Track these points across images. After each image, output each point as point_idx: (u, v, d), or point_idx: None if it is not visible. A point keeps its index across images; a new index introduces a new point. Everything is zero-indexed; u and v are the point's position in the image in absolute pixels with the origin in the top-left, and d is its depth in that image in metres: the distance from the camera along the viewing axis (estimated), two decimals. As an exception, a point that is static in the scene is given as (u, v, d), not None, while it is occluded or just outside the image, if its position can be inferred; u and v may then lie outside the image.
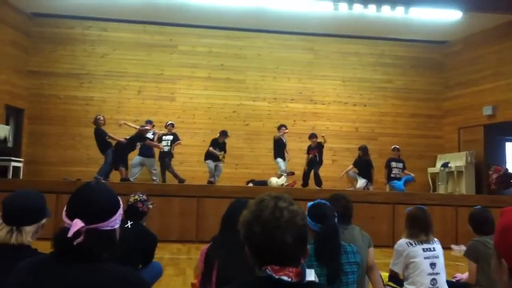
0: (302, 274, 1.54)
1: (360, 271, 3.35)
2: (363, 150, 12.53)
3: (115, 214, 1.87)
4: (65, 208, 1.85)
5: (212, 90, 14.38)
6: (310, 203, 3.44)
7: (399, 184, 12.28)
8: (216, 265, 2.97)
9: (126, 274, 1.79)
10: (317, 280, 1.60)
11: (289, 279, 1.52)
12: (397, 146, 12.92)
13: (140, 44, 14.41)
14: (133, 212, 4.37)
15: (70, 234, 1.72)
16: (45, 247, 1.94)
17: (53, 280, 1.69)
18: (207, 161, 11.83)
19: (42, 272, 1.73)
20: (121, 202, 1.94)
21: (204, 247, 3.29)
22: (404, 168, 12.70)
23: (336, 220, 3.29)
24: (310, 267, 2.94)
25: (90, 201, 1.82)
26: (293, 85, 14.76)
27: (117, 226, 1.88)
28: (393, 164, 12.61)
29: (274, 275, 1.53)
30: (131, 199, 4.44)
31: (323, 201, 3.48)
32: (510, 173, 12.75)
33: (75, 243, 1.72)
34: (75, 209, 1.81)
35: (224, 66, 14.57)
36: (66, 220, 1.79)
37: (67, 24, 14.23)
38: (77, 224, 1.74)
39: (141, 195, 4.54)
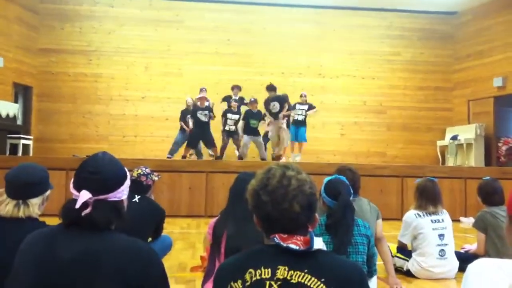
0: (310, 242, 1.55)
1: (369, 244, 3.39)
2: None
3: (122, 185, 1.87)
4: (72, 180, 1.86)
5: (219, 65, 14.32)
6: (327, 178, 3.47)
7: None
8: (225, 236, 3.00)
9: (135, 243, 1.80)
10: (325, 248, 1.61)
11: (297, 247, 1.54)
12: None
13: (146, 19, 14.35)
14: (137, 186, 4.35)
15: (77, 205, 1.73)
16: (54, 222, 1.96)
17: (64, 248, 1.71)
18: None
19: (53, 241, 1.75)
20: (128, 174, 1.95)
21: (213, 220, 3.31)
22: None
23: (351, 195, 3.32)
24: (320, 235, 3.00)
25: (97, 172, 1.82)
26: (300, 59, 14.65)
27: (124, 197, 1.89)
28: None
29: (282, 243, 1.54)
30: (134, 174, 4.43)
31: (340, 177, 3.50)
32: (520, 145, 12.67)
33: (83, 214, 1.73)
34: (82, 180, 1.82)
35: (231, 41, 14.49)
36: (74, 192, 1.80)
37: (74, 1, 14.17)
38: (85, 195, 1.75)
39: (144, 169, 4.55)
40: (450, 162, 13.54)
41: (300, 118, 11.98)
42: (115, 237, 1.79)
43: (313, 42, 14.75)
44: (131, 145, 13.71)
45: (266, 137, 11.90)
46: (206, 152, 11.86)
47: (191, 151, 11.61)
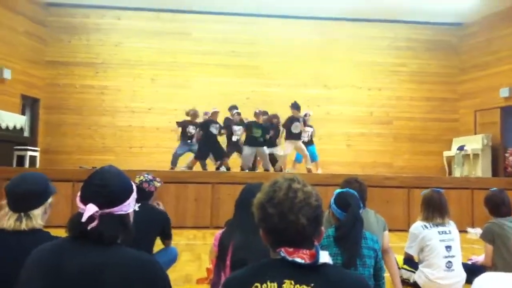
0: (316, 256, 1.55)
1: (377, 257, 3.38)
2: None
3: (128, 199, 1.89)
4: (79, 194, 1.87)
5: (225, 77, 14.37)
6: (337, 190, 3.48)
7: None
8: (231, 249, 2.99)
9: (140, 257, 1.81)
10: (331, 262, 1.60)
11: (303, 261, 1.54)
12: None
13: (153, 32, 14.43)
14: (140, 193, 4.32)
15: (84, 219, 1.74)
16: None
17: (71, 261, 1.72)
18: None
19: (60, 254, 1.75)
20: (134, 187, 1.96)
21: (218, 231, 3.31)
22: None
23: (360, 209, 3.32)
24: (327, 247, 2.99)
25: (103, 185, 1.83)
26: (306, 70, 14.68)
27: (130, 210, 1.90)
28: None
29: (288, 257, 1.54)
30: (136, 180, 4.40)
31: (351, 190, 3.51)
32: (527, 155, 12.62)
33: (89, 228, 1.74)
34: (88, 194, 1.83)
35: (237, 52, 14.54)
36: (80, 205, 1.82)
37: (82, 14, 14.30)
38: (91, 208, 1.76)
39: (146, 175, 4.53)
40: (457, 173, 13.48)
41: (306, 139, 11.92)
42: (121, 251, 1.79)
43: (319, 53, 14.78)
44: (137, 157, 13.74)
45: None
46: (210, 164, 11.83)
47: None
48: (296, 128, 11.19)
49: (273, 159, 11.75)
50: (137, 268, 1.75)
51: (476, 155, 13.27)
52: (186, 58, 14.40)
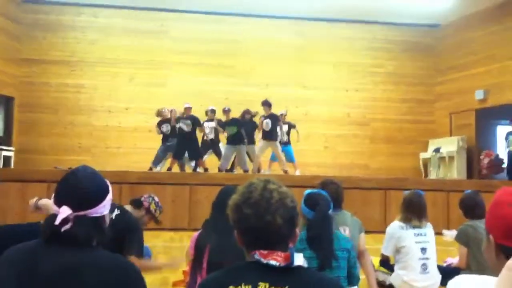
0: (291, 258, 1.54)
1: (351, 257, 3.37)
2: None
3: (103, 200, 1.85)
4: (53, 195, 1.84)
5: (203, 76, 14.32)
6: (307, 191, 3.47)
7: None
8: (207, 251, 2.97)
9: (116, 259, 1.79)
10: (306, 264, 1.60)
11: (278, 264, 1.53)
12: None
13: (130, 30, 14.32)
14: (136, 199, 4.68)
15: (57, 221, 1.71)
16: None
17: (46, 262, 1.70)
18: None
19: (35, 255, 1.73)
20: (110, 188, 1.92)
21: (195, 233, 3.29)
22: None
23: (330, 208, 3.31)
24: (302, 250, 2.98)
25: (78, 187, 1.81)
26: (284, 70, 14.71)
27: (106, 212, 1.87)
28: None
29: (262, 259, 1.54)
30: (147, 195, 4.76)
31: (320, 190, 3.52)
32: (501, 158, 12.78)
33: (62, 230, 1.72)
34: (62, 195, 1.81)
35: (215, 51, 14.49)
36: (54, 207, 1.78)
37: (58, 11, 14.11)
38: (65, 211, 1.74)
39: (156, 199, 4.78)
40: (432, 175, 13.62)
41: (285, 138, 11.94)
42: (96, 253, 1.77)
43: (297, 54, 14.82)
44: (114, 157, 13.60)
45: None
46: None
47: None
48: (267, 125, 11.16)
49: (249, 157, 11.73)
50: (112, 270, 1.73)
51: (451, 157, 13.42)
52: (164, 56, 14.32)
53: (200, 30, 14.48)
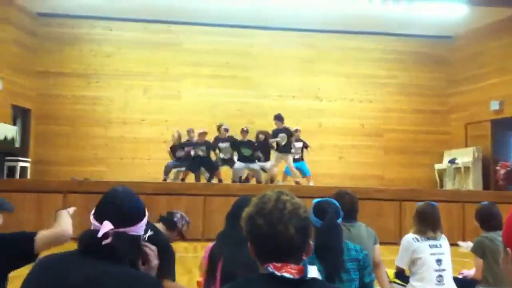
0: (304, 271, 1.54)
1: (363, 267, 3.28)
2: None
3: (142, 221, 1.93)
4: (93, 211, 1.91)
5: (217, 88, 14.38)
6: (315, 200, 3.42)
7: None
8: (221, 262, 2.97)
9: (145, 278, 1.86)
10: (320, 277, 1.60)
11: (291, 276, 1.53)
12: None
13: (144, 42, 14.44)
14: (167, 218, 4.33)
15: (100, 234, 1.78)
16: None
17: (79, 272, 1.75)
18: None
19: (69, 264, 1.80)
20: (146, 211, 1.99)
21: (209, 244, 3.29)
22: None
23: (339, 217, 3.22)
24: (311, 263, 2.93)
25: (120, 205, 1.88)
26: (297, 82, 14.73)
27: (142, 233, 1.95)
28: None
29: (276, 272, 1.54)
30: (179, 210, 4.47)
31: (329, 198, 3.43)
32: (517, 168, 12.67)
33: (103, 243, 1.78)
34: (104, 211, 1.87)
35: (228, 63, 14.56)
36: (94, 222, 1.86)
37: (73, 24, 14.28)
38: (107, 225, 1.80)
39: (187, 218, 4.51)
40: (448, 186, 13.52)
41: (297, 156, 11.93)
42: (126, 269, 1.83)
43: (310, 65, 14.84)
44: (129, 168, 13.67)
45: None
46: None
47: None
48: (282, 139, 11.20)
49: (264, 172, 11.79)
50: (142, 286, 1.80)
51: (467, 168, 13.31)
52: (178, 69, 14.40)
53: (213, 42, 14.55)
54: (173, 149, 11.85)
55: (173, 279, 4.11)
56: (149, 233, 3.99)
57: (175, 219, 4.42)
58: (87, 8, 13.69)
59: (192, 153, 11.24)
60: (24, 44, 13.56)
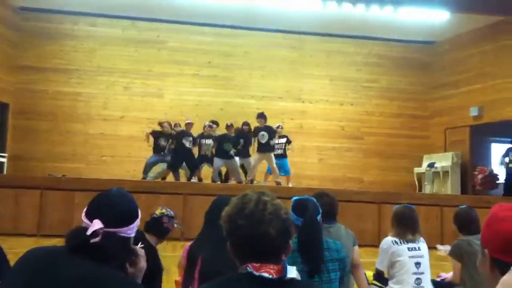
0: (283, 271, 1.53)
1: (344, 267, 3.27)
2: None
3: (133, 223, 1.91)
4: (85, 209, 1.89)
5: (200, 87, 14.34)
6: (294, 198, 3.39)
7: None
8: (199, 262, 2.95)
9: (132, 283, 1.86)
10: (299, 277, 1.58)
11: (270, 276, 1.51)
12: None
13: (128, 40, 14.34)
14: (155, 226, 4.00)
15: (89, 232, 1.75)
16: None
17: (67, 268, 1.72)
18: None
19: (57, 259, 1.76)
20: (139, 213, 1.97)
21: (188, 243, 3.26)
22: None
23: (318, 214, 3.20)
24: (294, 263, 2.91)
25: (113, 205, 1.87)
26: (281, 83, 14.77)
27: (132, 235, 1.92)
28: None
29: (254, 272, 1.52)
30: (157, 212, 4.09)
31: (308, 196, 3.41)
32: (495, 173, 12.83)
33: (91, 241, 1.75)
34: (96, 210, 1.85)
35: (212, 63, 14.54)
36: (85, 220, 1.83)
37: (56, 19, 14.11)
38: (97, 224, 1.78)
39: (169, 210, 4.20)
40: (427, 190, 13.64)
41: (280, 151, 11.92)
42: (114, 271, 1.80)
43: (293, 67, 14.89)
44: (108, 165, 13.57)
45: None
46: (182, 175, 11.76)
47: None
48: (263, 137, 11.20)
49: (244, 170, 11.76)
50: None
51: (446, 173, 13.46)
52: (161, 67, 14.33)
53: (197, 42, 14.52)
54: (157, 136, 11.62)
55: None
56: (140, 245, 3.84)
57: (165, 225, 4.09)
58: (71, 4, 13.58)
59: (188, 144, 11.14)
60: (6, 38, 13.37)
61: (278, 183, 11.33)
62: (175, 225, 4.22)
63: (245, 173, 11.75)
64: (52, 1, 13.43)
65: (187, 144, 11.12)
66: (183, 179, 11.58)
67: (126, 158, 13.67)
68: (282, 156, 11.96)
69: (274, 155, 11.56)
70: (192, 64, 14.43)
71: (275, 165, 11.42)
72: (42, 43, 14.00)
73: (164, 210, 4.16)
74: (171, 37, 14.56)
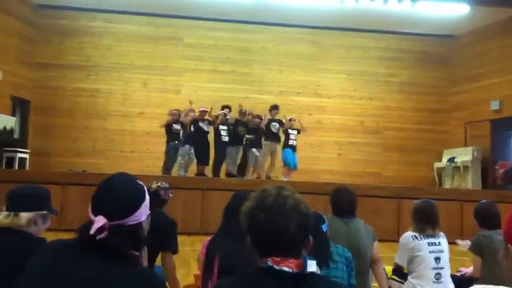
0: (303, 266, 1.53)
1: (350, 264, 3.35)
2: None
3: (139, 208, 1.82)
4: (90, 204, 1.83)
5: (217, 83, 14.36)
6: None
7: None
8: (218, 256, 2.96)
9: (145, 274, 1.79)
10: (318, 271, 1.59)
11: (290, 270, 1.52)
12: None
13: (145, 36, 14.42)
14: (153, 199, 4.27)
15: (92, 231, 1.70)
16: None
17: (80, 265, 1.70)
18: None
19: (71, 255, 1.74)
20: (146, 194, 1.89)
21: (207, 238, 3.28)
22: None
23: (324, 223, 3.27)
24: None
25: (111, 197, 1.79)
26: (298, 79, 14.73)
27: (142, 219, 1.84)
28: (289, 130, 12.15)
29: (275, 266, 1.53)
30: (154, 186, 4.51)
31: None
32: (516, 168, 12.67)
33: (97, 238, 1.71)
34: (97, 205, 1.79)
35: (229, 59, 14.55)
36: (91, 216, 1.77)
37: (74, 16, 14.24)
38: (100, 221, 1.72)
39: (163, 183, 4.64)
40: (447, 184, 13.52)
41: (295, 143, 12.01)
42: (126, 265, 1.75)
43: (310, 62, 14.83)
44: (127, 161, 13.67)
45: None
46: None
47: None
48: (274, 127, 11.53)
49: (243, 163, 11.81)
50: (140, 284, 1.72)
51: (466, 167, 13.32)
52: (178, 63, 14.39)
53: (214, 37, 14.54)
54: (169, 124, 11.77)
55: (174, 251, 4.44)
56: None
57: (161, 196, 4.57)
58: (88, 1, 13.69)
59: (193, 126, 11.41)
60: (25, 35, 13.54)
61: (268, 177, 11.58)
62: (171, 195, 4.71)
63: (244, 166, 11.77)
64: (70, -2, 13.57)
65: (205, 128, 11.29)
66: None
67: (145, 154, 13.77)
68: (295, 149, 12.03)
69: (290, 146, 11.84)
70: (209, 60, 14.46)
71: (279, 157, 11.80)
72: (60, 40, 14.14)
73: (159, 184, 4.61)
74: (188, 33, 14.59)
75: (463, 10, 13.22)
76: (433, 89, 15.21)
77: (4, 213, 2.60)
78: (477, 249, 4.74)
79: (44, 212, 2.69)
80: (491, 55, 13.86)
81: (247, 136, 11.48)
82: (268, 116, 11.92)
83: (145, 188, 1.90)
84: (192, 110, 11.80)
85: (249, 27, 14.70)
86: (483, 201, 5.15)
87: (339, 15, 13.80)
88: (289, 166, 11.91)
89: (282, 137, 12.07)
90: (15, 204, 2.62)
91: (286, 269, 1.52)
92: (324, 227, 3.26)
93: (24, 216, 2.59)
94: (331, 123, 14.68)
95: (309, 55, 14.90)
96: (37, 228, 2.64)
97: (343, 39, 15.04)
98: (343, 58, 14.99)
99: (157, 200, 4.45)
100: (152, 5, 13.79)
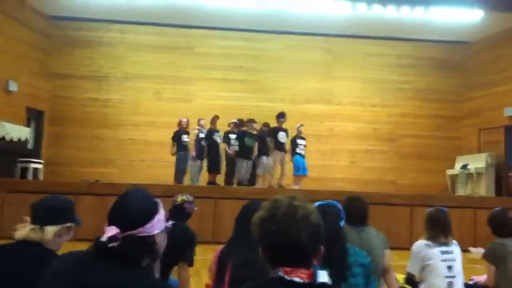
0: (314, 276, 1.54)
1: (367, 274, 3.24)
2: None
3: (151, 221, 1.89)
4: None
5: (228, 92, 14.41)
6: (315, 203, 3.35)
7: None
8: (229, 266, 2.96)
9: (155, 284, 1.85)
10: (330, 282, 1.59)
11: (301, 281, 1.52)
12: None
13: (157, 46, 14.51)
14: (178, 212, 4.44)
15: (103, 239, 1.78)
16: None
17: (91, 277, 1.75)
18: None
19: (85, 266, 1.79)
20: (160, 208, 1.97)
21: (218, 248, 3.28)
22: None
23: (341, 219, 3.16)
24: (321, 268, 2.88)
25: (123, 210, 1.88)
26: (310, 86, 14.72)
27: (156, 232, 1.90)
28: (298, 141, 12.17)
29: (286, 276, 1.53)
30: (178, 199, 4.52)
31: (331, 201, 3.36)
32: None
33: (109, 246, 1.77)
34: (111, 216, 1.88)
35: (240, 67, 14.59)
36: (106, 227, 1.87)
37: (87, 27, 14.39)
38: (112, 230, 1.80)
39: (188, 196, 4.60)
40: (460, 192, 13.42)
41: (303, 152, 11.99)
42: (140, 275, 1.82)
43: (323, 69, 14.83)
44: (139, 170, 13.73)
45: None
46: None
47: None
48: (283, 137, 11.52)
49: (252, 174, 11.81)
50: None
51: (479, 174, 13.21)
52: (190, 72, 14.46)
53: (225, 46, 14.60)
54: (178, 135, 11.92)
55: (191, 264, 4.42)
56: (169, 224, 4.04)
57: (187, 210, 4.53)
58: (100, 12, 13.78)
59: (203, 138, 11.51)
60: (38, 46, 13.69)
61: (280, 185, 11.58)
62: (195, 208, 4.62)
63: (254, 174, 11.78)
64: (82, 9, 13.65)
65: (218, 140, 11.36)
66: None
67: (155, 163, 13.80)
68: (304, 157, 12.02)
69: (299, 154, 11.82)
70: (220, 69, 14.51)
71: (286, 170, 11.81)
72: (72, 50, 14.29)
73: (184, 197, 4.55)
74: (199, 42, 14.67)
75: (477, 16, 13.14)
76: (447, 96, 15.13)
77: (30, 226, 2.61)
78: (491, 256, 4.70)
79: (69, 224, 2.74)
80: (505, 61, 13.77)
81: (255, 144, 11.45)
82: (276, 125, 11.93)
83: (159, 203, 1.98)
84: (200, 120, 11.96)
85: (261, 36, 14.74)
86: (497, 208, 5.11)
87: (351, 23, 13.78)
88: (299, 171, 11.88)
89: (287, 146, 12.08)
90: (40, 218, 2.64)
91: (297, 279, 1.52)
92: (342, 223, 3.15)
93: (51, 230, 2.62)
94: (343, 131, 14.64)
95: (322, 63, 14.89)
96: (60, 240, 2.70)
97: (355, 46, 15.02)
98: (356, 66, 14.96)
99: (182, 214, 4.48)
100: (164, 16, 13.88)
